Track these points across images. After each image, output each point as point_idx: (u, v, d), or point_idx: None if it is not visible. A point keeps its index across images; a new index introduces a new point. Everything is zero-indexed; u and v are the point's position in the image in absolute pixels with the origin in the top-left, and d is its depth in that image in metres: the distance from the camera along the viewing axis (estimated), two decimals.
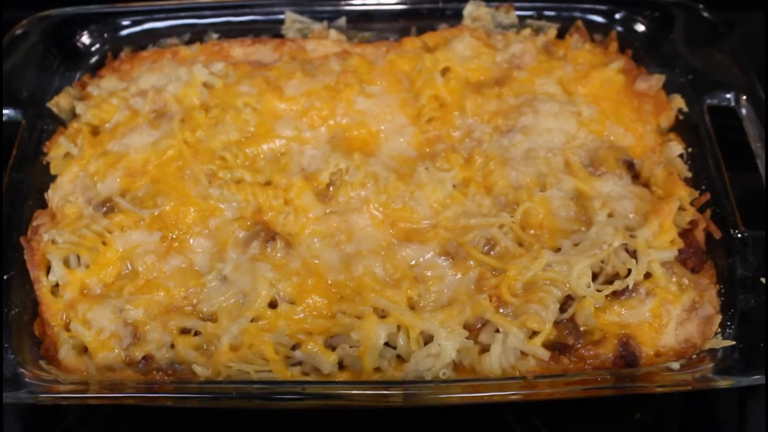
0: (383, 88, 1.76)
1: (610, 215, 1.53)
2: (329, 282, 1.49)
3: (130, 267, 1.54)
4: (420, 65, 1.78)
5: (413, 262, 1.52)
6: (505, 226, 1.54)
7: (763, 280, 1.43)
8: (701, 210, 1.56)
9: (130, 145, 1.66)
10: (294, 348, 1.43)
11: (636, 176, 1.63)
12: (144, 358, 1.44)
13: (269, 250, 1.53)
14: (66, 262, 1.54)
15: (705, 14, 1.83)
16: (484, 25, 1.90)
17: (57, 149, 1.69)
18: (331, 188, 1.62)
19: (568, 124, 1.69)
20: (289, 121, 1.69)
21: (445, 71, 1.78)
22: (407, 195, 1.58)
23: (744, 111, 1.70)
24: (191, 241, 1.55)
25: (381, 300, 1.43)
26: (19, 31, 1.82)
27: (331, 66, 1.79)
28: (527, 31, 1.89)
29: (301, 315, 1.45)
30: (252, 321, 1.44)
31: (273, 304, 1.47)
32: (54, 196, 1.62)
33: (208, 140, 1.66)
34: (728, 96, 1.72)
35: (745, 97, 1.70)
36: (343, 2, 1.91)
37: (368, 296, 1.44)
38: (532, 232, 1.55)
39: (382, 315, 1.42)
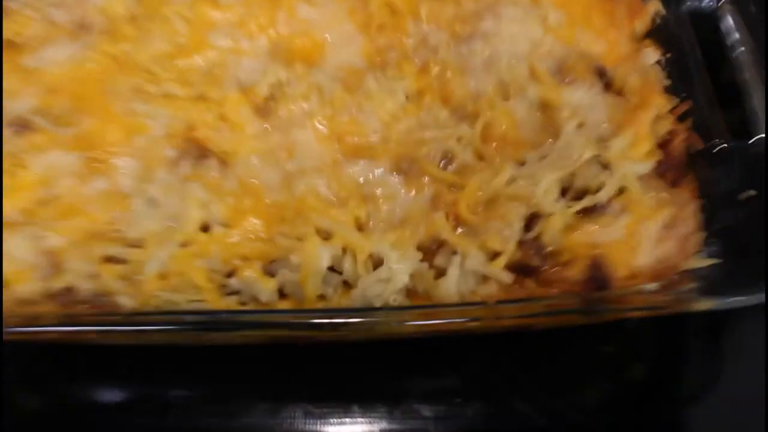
0: None
1: (580, 125, 1.38)
2: (268, 202, 1.33)
3: (48, 191, 1.37)
4: None
5: (362, 180, 1.36)
6: (463, 139, 1.38)
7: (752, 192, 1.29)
8: (681, 119, 1.41)
9: (46, 59, 1.48)
10: (229, 276, 1.27)
11: (608, 85, 1.47)
12: (66, 289, 1.27)
13: (202, 169, 1.36)
14: None
15: None
16: None
17: None
18: (270, 102, 1.45)
19: (534, 30, 1.53)
20: (225, 30, 1.52)
21: None
22: (354, 107, 1.42)
23: (730, 19, 1.54)
24: (116, 161, 1.38)
25: (324, 220, 1.28)
26: None
27: None
28: None
29: (237, 239, 1.30)
30: (182, 246, 1.28)
31: (206, 228, 1.31)
32: None
33: (134, 53, 1.49)
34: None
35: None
36: None
37: (311, 216, 1.29)
38: (494, 145, 1.39)
39: (326, 237, 1.27)
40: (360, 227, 1.30)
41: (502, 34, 1.51)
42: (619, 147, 1.33)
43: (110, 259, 1.29)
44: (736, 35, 1.51)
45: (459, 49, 1.50)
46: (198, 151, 1.38)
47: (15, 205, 1.35)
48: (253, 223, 1.30)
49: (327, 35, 1.52)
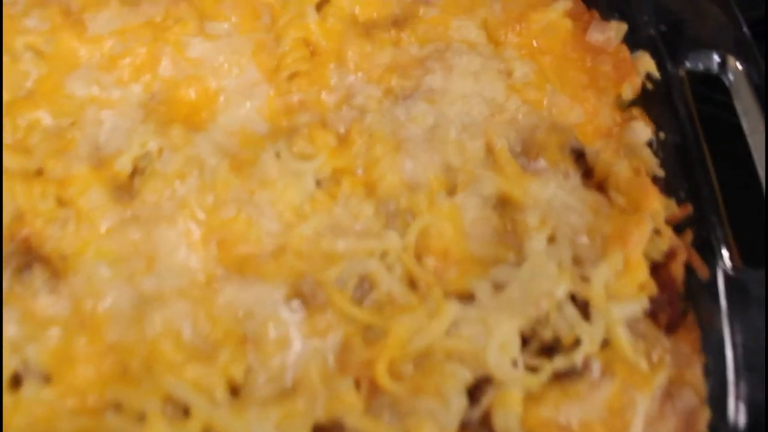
0: (233, 25, 0.97)
1: (551, 240, 0.79)
2: (108, 344, 0.73)
3: None
4: None
5: (241, 313, 0.76)
6: (390, 255, 0.79)
7: None
8: (678, 230, 0.83)
9: None
10: None
11: (588, 173, 0.87)
12: None
13: (21, 285, 0.75)
14: None
15: None
16: None
17: None
18: (136, 180, 0.83)
19: (494, 89, 0.93)
20: (89, 72, 0.90)
21: (323, 3, 0.98)
22: (245, 196, 0.81)
23: (732, 78, 0.94)
24: None
25: (180, 386, 0.68)
26: None
27: None
28: None
29: (57, 403, 0.70)
30: None
31: (18, 380, 0.71)
32: None
33: None
34: (714, 57, 0.95)
35: (736, 60, 0.94)
36: None
37: (162, 376, 0.69)
38: (432, 263, 0.80)
39: (183, 409, 0.68)
40: (234, 390, 0.71)
41: (453, 92, 0.92)
42: (603, 280, 0.76)
43: None
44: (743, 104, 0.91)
45: (394, 112, 0.90)
46: (20, 257, 0.76)
47: None
48: (83, 376, 0.70)
49: (224, 82, 0.90)
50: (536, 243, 0.79)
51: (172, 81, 0.91)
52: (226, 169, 0.83)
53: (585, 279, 0.77)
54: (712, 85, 0.96)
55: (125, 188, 0.84)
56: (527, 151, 0.89)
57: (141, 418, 0.69)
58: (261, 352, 0.74)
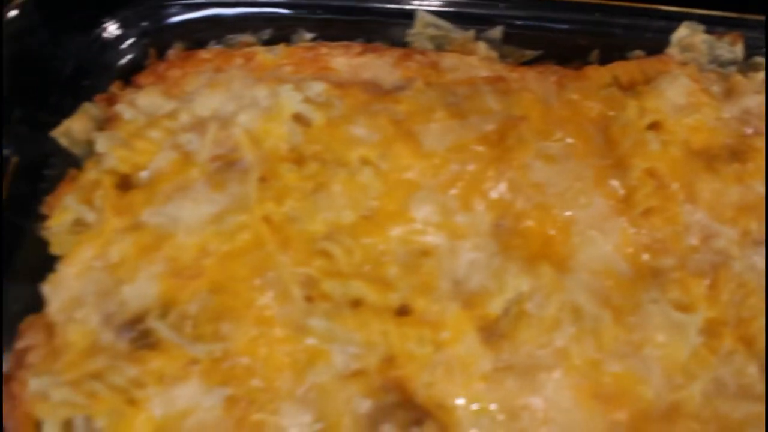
0: (567, 147, 0.90)
1: None
2: None
3: None
4: (621, 116, 0.92)
5: None
6: None
7: None
8: None
9: (178, 218, 0.82)
10: None
11: None
12: None
13: None
14: (68, 427, 0.71)
15: None
16: (696, 58, 1.03)
17: (62, 214, 0.83)
18: (502, 323, 0.78)
19: None
20: (432, 195, 0.84)
21: (653, 127, 0.92)
22: (628, 350, 0.75)
23: None
24: (276, 411, 0.72)
25: None
26: (12, 13, 0.92)
27: (487, 102, 0.93)
28: (761, 75, 1.01)
29: None
30: None
31: None
32: (53, 296, 0.79)
33: (303, 219, 0.82)
34: None
35: None
36: (502, 3, 1.02)
37: None
38: None
39: None
40: None
41: None
42: None
43: None
44: None
45: (752, 258, 0.82)
46: (405, 408, 0.71)
47: None
48: None
49: (570, 213, 0.84)
50: None
51: (517, 207, 0.85)
52: (610, 320, 0.77)
53: None
54: None
55: (492, 330, 0.78)
56: None
57: None
58: None
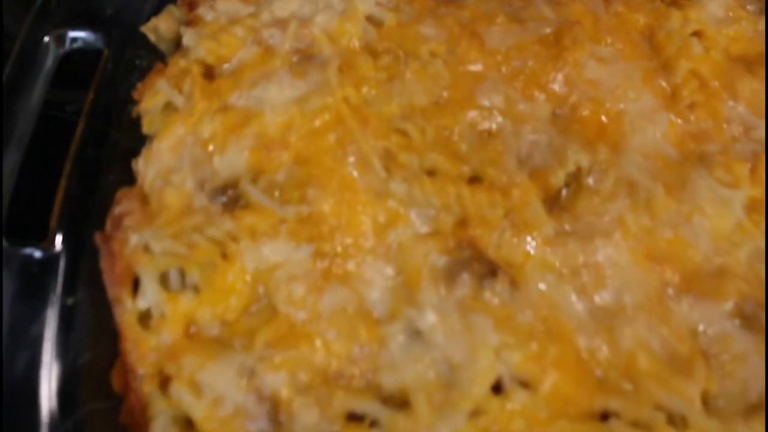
0: (616, 51, 0.97)
1: None
2: (578, 353, 0.74)
3: (265, 299, 0.77)
4: (666, 25, 0.99)
5: (699, 328, 0.77)
6: None
7: None
8: None
9: (263, 99, 0.88)
10: None
11: None
12: None
13: (485, 292, 0.77)
14: (163, 280, 0.78)
15: None
16: None
17: (153, 97, 0.90)
18: (564, 196, 0.85)
19: None
20: (496, 85, 0.91)
21: (695, 35, 1.00)
22: (679, 219, 0.82)
23: None
24: (360, 264, 0.79)
25: (673, 398, 0.69)
26: None
27: (542, 11, 1.00)
28: None
29: (542, 411, 0.71)
30: (471, 416, 0.69)
31: (496, 388, 0.71)
32: (147, 169, 0.85)
33: (379, 102, 0.89)
34: None
35: None
36: None
37: (647, 386, 0.70)
38: None
39: (671, 421, 0.69)
40: (707, 406, 0.72)
41: None
42: None
43: (356, 417, 0.71)
44: None
45: None
46: (480, 263, 0.77)
47: (216, 314, 0.75)
48: (562, 384, 0.71)
49: (622, 106, 0.91)
50: None
51: (573, 99, 0.92)
52: (662, 192, 0.84)
53: None
54: None
55: (554, 201, 0.85)
56: None
57: (635, 424, 0.70)
58: (719, 368, 0.75)
